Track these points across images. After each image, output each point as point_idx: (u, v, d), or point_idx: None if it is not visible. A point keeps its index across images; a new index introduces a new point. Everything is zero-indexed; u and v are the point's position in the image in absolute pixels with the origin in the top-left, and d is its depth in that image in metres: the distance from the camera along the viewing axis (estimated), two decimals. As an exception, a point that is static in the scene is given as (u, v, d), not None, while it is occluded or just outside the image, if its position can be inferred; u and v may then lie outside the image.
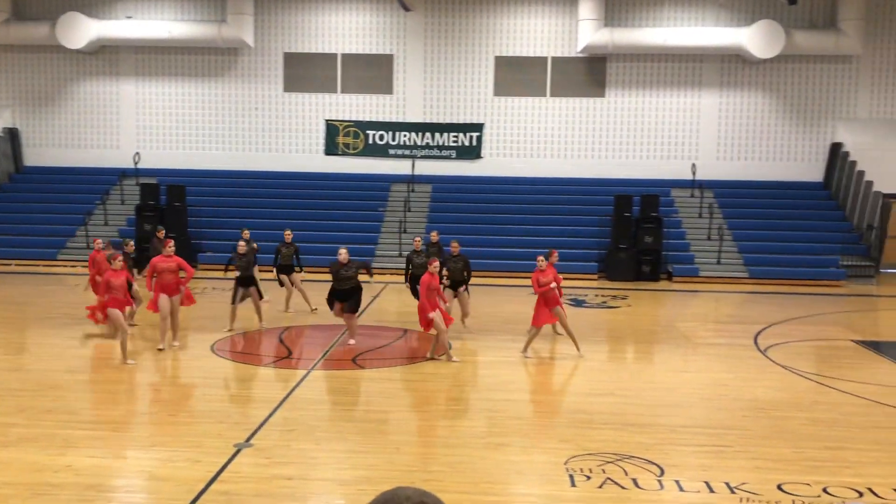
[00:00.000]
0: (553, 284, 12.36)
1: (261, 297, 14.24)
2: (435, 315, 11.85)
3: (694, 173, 25.36)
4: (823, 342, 14.84)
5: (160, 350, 12.29)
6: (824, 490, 7.31)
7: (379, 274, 21.67)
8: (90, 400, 10.33)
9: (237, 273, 14.06)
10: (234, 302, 14.00)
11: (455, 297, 14.22)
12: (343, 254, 13.04)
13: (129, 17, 25.74)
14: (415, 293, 14.06)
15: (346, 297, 13.00)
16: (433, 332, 12.19)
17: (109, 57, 26.65)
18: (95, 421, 9.17)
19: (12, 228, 24.15)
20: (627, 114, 26.02)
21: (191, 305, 13.08)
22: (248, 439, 8.42)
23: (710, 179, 25.49)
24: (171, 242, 12.88)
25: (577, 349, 12.49)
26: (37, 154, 27.06)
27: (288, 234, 16.33)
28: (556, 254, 13.26)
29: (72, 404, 10.01)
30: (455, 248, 14.51)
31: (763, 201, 25.14)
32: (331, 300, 13.18)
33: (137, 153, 26.18)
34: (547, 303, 12.36)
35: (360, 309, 13.84)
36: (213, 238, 23.45)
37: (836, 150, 25.40)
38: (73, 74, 26.80)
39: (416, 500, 1.90)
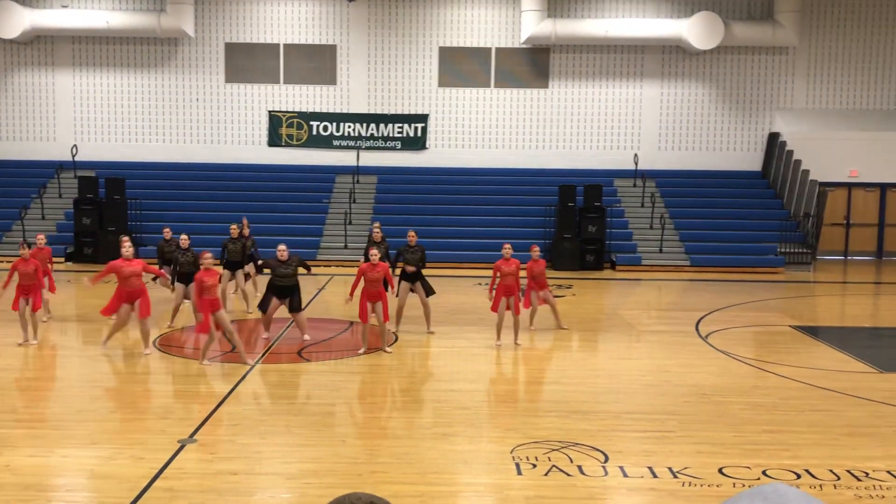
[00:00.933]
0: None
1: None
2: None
3: (636, 163, 25.67)
4: (762, 328, 15.15)
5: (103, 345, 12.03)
6: (764, 473, 7.47)
7: (324, 266, 21.58)
8: (28, 398, 10.10)
9: (181, 269, 13.84)
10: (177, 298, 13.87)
11: (412, 290, 13.74)
12: (282, 250, 12.79)
13: (65, 7, 25.14)
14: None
15: (285, 293, 12.80)
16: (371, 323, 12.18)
17: (45, 47, 26.01)
18: (33, 419, 8.97)
19: (-55, 223, 23.48)
20: (571, 104, 26.22)
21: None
22: (192, 435, 8.32)
23: (652, 169, 25.83)
24: (128, 242, 12.20)
25: (516, 340, 12.65)
26: (-31, 147, 26.31)
27: (234, 229, 15.82)
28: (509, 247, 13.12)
29: (8, 402, 9.78)
30: (412, 238, 14.11)
31: (703, 190, 25.57)
32: (268, 296, 12.98)
33: (75, 146, 25.61)
34: (505, 291, 12.50)
35: (305, 302, 13.74)
36: (154, 232, 23.05)
37: (773, 139, 25.92)
38: (6, 65, 26.09)
39: (365, 500, 1.87)
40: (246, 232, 16.19)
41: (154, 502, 6.65)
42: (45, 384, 10.58)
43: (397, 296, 13.51)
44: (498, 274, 12.58)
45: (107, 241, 21.84)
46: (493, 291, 12.69)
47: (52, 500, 6.87)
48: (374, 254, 12.12)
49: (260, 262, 14.37)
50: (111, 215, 22.66)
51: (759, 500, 1.27)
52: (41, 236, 14.57)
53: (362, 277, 12.01)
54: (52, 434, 8.39)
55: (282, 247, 12.84)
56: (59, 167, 25.48)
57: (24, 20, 24.55)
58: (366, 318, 11.94)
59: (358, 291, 12.06)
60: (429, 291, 13.66)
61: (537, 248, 14.05)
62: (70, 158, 25.42)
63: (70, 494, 7.08)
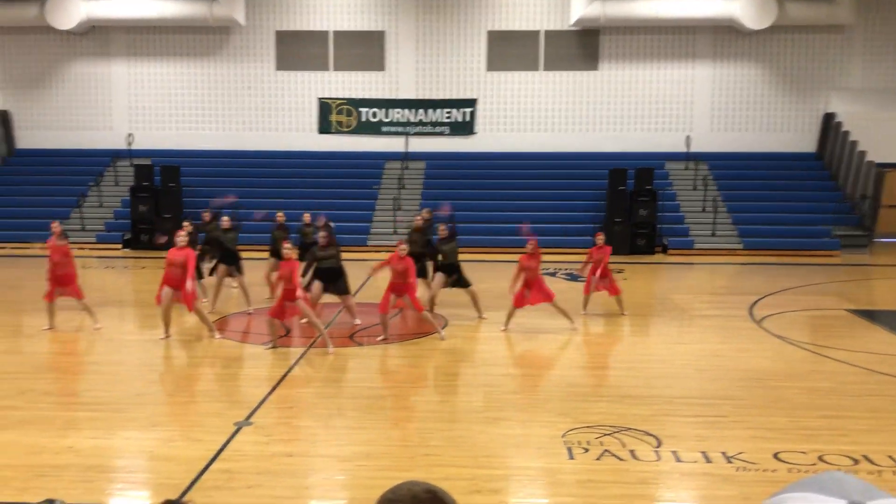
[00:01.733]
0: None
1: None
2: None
3: (688, 146, 25.35)
4: (818, 312, 14.91)
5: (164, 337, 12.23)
6: (820, 458, 7.38)
7: (374, 251, 21.69)
8: (89, 381, 10.36)
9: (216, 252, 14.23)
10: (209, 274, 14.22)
11: (449, 282, 13.56)
12: (321, 236, 12.92)
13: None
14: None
15: (327, 277, 12.84)
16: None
17: (100, 37, 26.49)
18: (95, 402, 9.20)
19: (6, 211, 24.09)
20: (621, 87, 25.96)
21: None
22: (248, 417, 8.47)
23: (704, 152, 25.49)
24: (183, 232, 12.24)
25: (505, 325, 12.68)
26: (29, 137, 26.93)
27: (280, 216, 15.95)
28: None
29: (71, 386, 10.05)
30: (442, 231, 13.74)
31: (757, 172, 25.15)
32: (312, 280, 13.03)
33: (130, 134, 26.07)
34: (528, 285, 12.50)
35: (355, 287, 13.85)
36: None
37: (828, 120, 25.39)
38: (63, 56, 26.63)
39: (422, 488, 1.89)
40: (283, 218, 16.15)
41: (212, 483, 6.79)
42: (106, 368, 10.83)
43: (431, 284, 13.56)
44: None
45: (163, 227, 22.20)
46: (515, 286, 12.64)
47: (113, 481, 7.05)
48: (403, 248, 12.00)
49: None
50: (166, 202, 23.06)
51: (816, 488, 1.26)
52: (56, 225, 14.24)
53: (388, 266, 12.02)
54: (113, 417, 8.60)
55: (321, 233, 13.00)
56: (115, 156, 25.97)
57: (80, 11, 25.00)
58: (385, 308, 11.92)
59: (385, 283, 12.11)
60: (465, 284, 13.60)
61: (602, 235, 14.04)
62: (126, 147, 25.89)
63: (131, 475, 7.27)
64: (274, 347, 11.44)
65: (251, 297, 14.20)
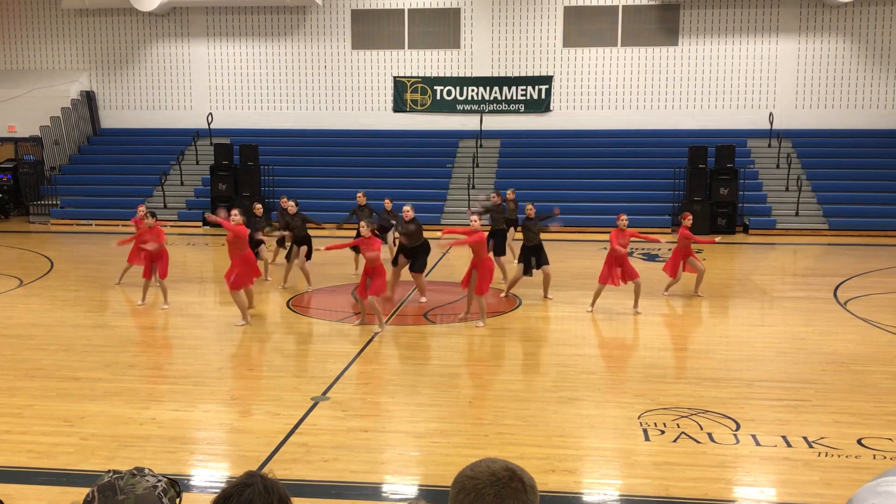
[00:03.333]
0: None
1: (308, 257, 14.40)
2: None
3: (771, 123, 24.66)
4: (906, 295, 14.40)
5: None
6: (907, 445, 7.14)
7: (450, 230, 21.71)
8: (171, 355, 10.63)
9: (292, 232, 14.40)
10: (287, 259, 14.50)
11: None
12: (406, 210, 13.05)
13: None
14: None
15: (409, 253, 13.05)
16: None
17: (180, 18, 27.00)
18: (177, 375, 9.45)
19: (91, 189, 24.83)
20: (702, 62, 25.37)
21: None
22: (325, 393, 8.59)
23: (788, 129, 24.78)
24: (237, 211, 12.07)
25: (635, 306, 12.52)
26: (113, 116, 27.67)
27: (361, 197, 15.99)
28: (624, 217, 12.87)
29: (154, 359, 10.33)
30: (530, 210, 13.90)
31: (843, 150, 24.33)
32: (398, 255, 13.38)
33: (210, 114, 26.55)
34: (617, 262, 12.38)
35: (429, 266, 13.91)
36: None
37: (921, 95, 24.40)
38: (146, 37, 27.24)
39: (500, 465, 1.88)
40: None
41: (289, 456, 6.91)
42: (187, 342, 11.10)
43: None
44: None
45: (242, 205, 22.59)
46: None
47: (195, 453, 7.23)
48: (474, 219, 11.71)
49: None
50: (245, 181, 23.44)
51: None
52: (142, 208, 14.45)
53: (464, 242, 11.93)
54: (193, 390, 8.81)
55: (406, 207, 13.08)
56: (195, 135, 26.50)
57: (162, -7, 25.49)
58: (467, 283, 11.95)
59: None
60: (543, 262, 13.51)
61: (690, 216, 13.77)
62: (206, 126, 26.39)
63: (211, 447, 7.44)
64: (362, 324, 11.54)
65: (311, 278, 14.24)
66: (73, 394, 8.61)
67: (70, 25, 27.44)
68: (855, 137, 24.68)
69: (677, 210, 21.18)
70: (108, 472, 2.09)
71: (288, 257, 14.60)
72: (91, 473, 6.37)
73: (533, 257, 13.40)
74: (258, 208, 15.43)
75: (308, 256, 14.34)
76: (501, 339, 11.18)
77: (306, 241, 14.36)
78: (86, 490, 2.03)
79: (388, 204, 16.00)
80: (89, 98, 27.36)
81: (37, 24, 27.55)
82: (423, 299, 13.16)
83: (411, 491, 6.45)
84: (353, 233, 12.88)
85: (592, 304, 12.64)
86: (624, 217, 12.57)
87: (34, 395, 8.54)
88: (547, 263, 13.43)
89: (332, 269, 15.63)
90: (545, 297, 13.49)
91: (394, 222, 15.21)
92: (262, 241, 14.55)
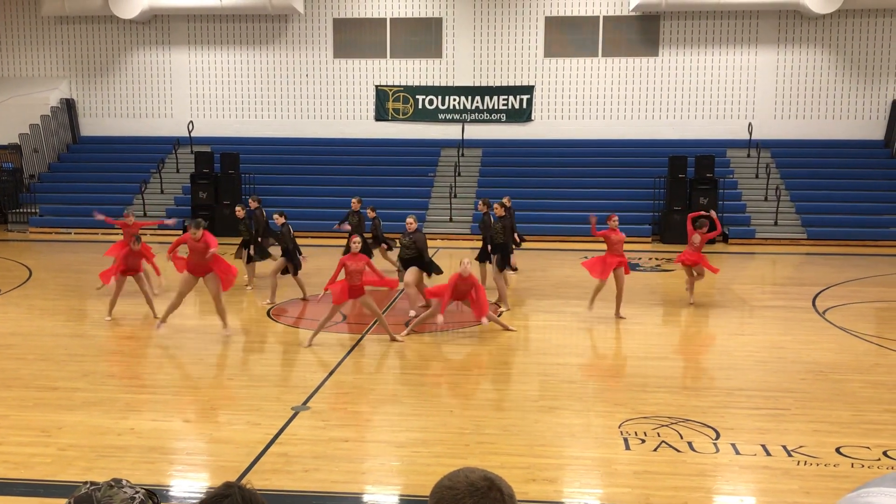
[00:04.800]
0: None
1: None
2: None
3: (750, 133, 24.86)
4: (884, 304, 14.53)
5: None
6: (884, 454, 7.20)
7: (430, 239, 21.71)
8: (150, 365, 10.56)
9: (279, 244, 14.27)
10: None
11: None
12: (409, 222, 12.90)
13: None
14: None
15: (407, 264, 13.00)
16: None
17: (161, 26, 26.91)
18: (156, 385, 9.38)
19: (71, 197, 24.65)
20: (682, 73, 25.55)
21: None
22: (305, 402, 8.55)
23: (767, 139, 24.98)
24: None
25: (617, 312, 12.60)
26: (93, 124, 27.52)
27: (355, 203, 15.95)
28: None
29: (133, 369, 10.26)
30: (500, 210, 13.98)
31: (822, 160, 24.55)
32: (400, 269, 13.38)
33: (191, 122, 26.45)
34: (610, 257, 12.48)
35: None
36: (266, 206, 23.64)
37: (898, 106, 24.67)
38: (126, 44, 27.12)
39: (479, 475, 1.87)
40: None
41: (269, 467, 6.88)
42: (166, 352, 11.03)
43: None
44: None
45: (222, 214, 22.54)
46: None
47: (174, 463, 7.18)
48: (465, 268, 11.27)
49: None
50: (226, 189, 23.35)
51: None
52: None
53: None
54: (173, 400, 8.76)
55: (409, 219, 12.95)
56: (176, 143, 26.39)
57: (142, 0, 25.40)
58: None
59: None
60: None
61: (615, 217, 13.64)
62: (187, 134, 26.28)
63: (190, 458, 7.39)
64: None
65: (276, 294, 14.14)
66: (51, 403, 8.53)
67: (50, 32, 27.29)
68: (833, 148, 24.92)
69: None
70: (86, 483, 2.07)
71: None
72: (69, 484, 6.31)
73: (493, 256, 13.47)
74: (240, 211, 15.37)
75: (294, 269, 14.12)
76: (482, 349, 11.18)
77: (285, 253, 14.21)
78: (62, 502, 2.02)
79: (355, 204, 15.80)
80: (69, 105, 27.20)
81: (16, 31, 27.39)
82: (412, 313, 12.93)
83: (392, 501, 6.44)
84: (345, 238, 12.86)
85: (591, 304, 12.63)
86: (615, 218, 12.74)
87: (11, 405, 8.46)
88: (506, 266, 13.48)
89: (315, 277, 15.58)
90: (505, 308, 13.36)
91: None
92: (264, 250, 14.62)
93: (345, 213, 16.25)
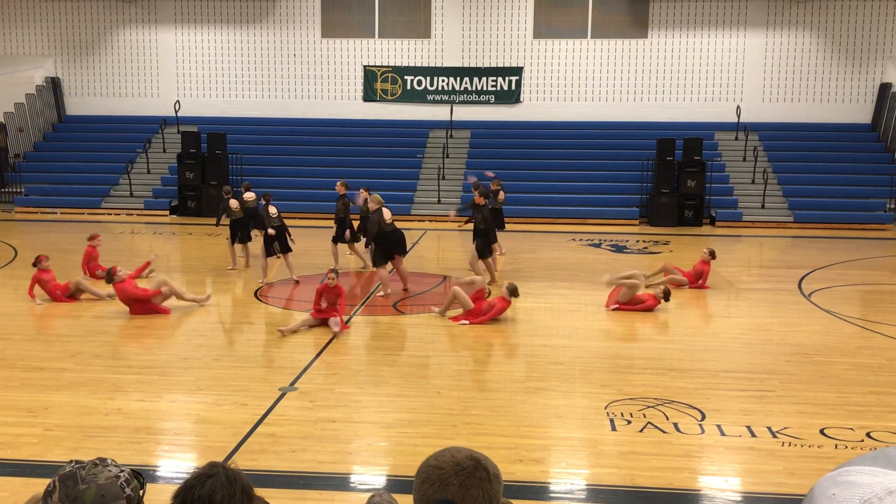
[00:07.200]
0: None
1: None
2: None
3: (739, 116, 24.90)
4: (869, 287, 14.62)
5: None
6: (868, 435, 7.26)
7: (418, 220, 21.72)
8: (137, 345, 10.53)
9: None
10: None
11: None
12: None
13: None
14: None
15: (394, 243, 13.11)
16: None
17: (148, 4, 26.68)
18: (143, 366, 9.36)
19: (57, 177, 24.50)
20: (671, 55, 25.54)
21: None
22: (293, 383, 8.56)
23: (755, 122, 25.02)
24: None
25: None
26: (79, 103, 27.31)
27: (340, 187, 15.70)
28: None
29: (119, 349, 10.23)
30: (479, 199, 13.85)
31: (809, 143, 24.64)
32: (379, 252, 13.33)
33: (178, 101, 26.29)
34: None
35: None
36: (253, 186, 23.55)
37: (885, 90, 24.74)
38: (113, 23, 26.88)
39: (465, 454, 1.88)
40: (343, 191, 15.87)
41: (257, 447, 6.88)
42: (153, 332, 11.00)
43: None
44: None
45: (209, 194, 22.45)
46: None
47: (161, 443, 7.18)
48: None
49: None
50: (213, 169, 23.24)
51: (884, 461, 1.21)
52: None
53: None
54: (159, 380, 8.74)
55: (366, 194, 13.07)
56: (162, 122, 26.24)
57: (129, -21, 25.17)
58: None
59: None
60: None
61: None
62: (173, 114, 26.12)
63: (178, 438, 7.38)
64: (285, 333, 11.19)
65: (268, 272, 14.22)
66: (38, 384, 8.50)
67: (35, 10, 27.02)
68: (821, 131, 24.99)
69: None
70: (71, 462, 2.07)
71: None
72: (55, 464, 6.29)
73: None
74: (227, 190, 15.39)
75: (282, 250, 14.01)
76: (470, 330, 11.20)
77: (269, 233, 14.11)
78: (49, 482, 2.01)
79: (340, 188, 15.56)
80: (54, 84, 26.97)
81: (0, 9, 27.09)
82: (408, 287, 13.18)
83: (379, 481, 6.45)
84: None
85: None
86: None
87: (-3, 386, 8.43)
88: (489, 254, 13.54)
89: (305, 258, 15.55)
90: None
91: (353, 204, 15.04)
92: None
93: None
